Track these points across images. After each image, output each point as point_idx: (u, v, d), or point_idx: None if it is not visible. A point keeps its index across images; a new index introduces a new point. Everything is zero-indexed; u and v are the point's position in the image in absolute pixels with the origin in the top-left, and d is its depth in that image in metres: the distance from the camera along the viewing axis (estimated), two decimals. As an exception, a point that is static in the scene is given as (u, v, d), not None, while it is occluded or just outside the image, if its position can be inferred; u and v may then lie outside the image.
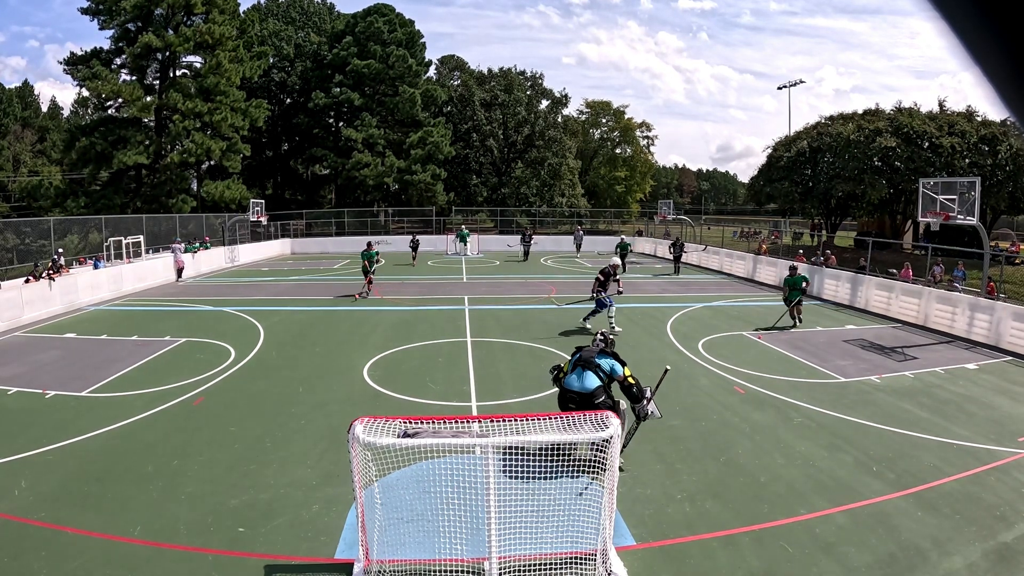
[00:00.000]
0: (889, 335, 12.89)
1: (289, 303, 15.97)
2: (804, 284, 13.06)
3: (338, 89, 41.65)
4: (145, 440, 6.78)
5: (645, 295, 17.87)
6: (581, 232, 32.21)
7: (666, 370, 6.09)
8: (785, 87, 52.02)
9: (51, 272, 14.97)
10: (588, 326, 12.48)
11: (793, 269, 13.73)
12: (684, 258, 24.36)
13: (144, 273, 19.47)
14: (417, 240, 26.93)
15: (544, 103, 49.73)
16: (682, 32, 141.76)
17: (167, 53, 33.73)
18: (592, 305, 12.77)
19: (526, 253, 28.63)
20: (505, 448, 4.24)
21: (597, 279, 12.58)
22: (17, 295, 13.53)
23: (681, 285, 20.31)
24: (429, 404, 7.95)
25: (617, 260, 13.39)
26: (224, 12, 35.25)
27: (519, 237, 30.24)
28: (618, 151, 54.63)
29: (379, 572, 4.22)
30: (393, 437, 4.13)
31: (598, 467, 4.33)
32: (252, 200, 29.59)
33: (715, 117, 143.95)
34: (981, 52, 0.55)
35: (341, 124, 44.16)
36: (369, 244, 17.08)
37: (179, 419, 7.44)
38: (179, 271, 20.90)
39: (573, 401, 5.61)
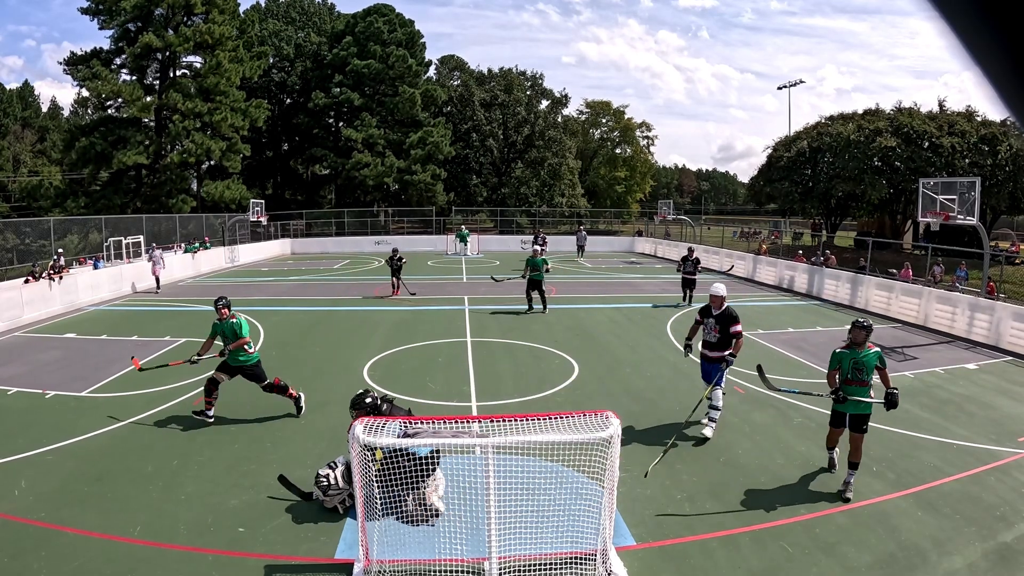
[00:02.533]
0: (889, 335, 12.89)
1: (289, 303, 15.96)
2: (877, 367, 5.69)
3: (338, 89, 41.66)
4: (145, 440, 6.78)
5: (645, 295, 17.87)
6: (584, 233, 30.49)
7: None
8: (785, 87, 52.08)
9: (52, 272, 14.97)
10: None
11: (863, 329, 5.75)
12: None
13: (144, 273, 19.44)
14: (400, 259, 16.55)
15: (544, 103, 49.77)
16: (682, 31, 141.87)
17: (167, 53, 33.74)
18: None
19: None
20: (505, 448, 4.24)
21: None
22: (17, 295, 13.53)
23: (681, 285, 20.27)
24: (429, 404, 7.95)
25: (719, 288, 7.08)
26: (224, 12, 35.26)
27: (531, 240, 26.22)
28: (618, 151, 54.66)
29: (379, 572, 4.22)
30: (393, 437, 4.13)
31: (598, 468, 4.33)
32: (252, 200, 29.63)
33: (716, 117, 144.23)
34: (981, 52, 0.55)
35: (341, 124, 44.18)
36: (221, 306, 7.35)
37: (179, 419, 7.44)
38: (157, 279, 18.19)
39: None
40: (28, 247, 24.72)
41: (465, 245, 30.14)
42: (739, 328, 6.96)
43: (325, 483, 4.78)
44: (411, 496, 4.75)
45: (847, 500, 5.50)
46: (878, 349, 5.77)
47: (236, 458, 6.31)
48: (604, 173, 53.10)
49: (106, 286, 17.04)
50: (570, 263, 27.53)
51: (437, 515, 4.80)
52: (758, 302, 16.70)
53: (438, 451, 4.65)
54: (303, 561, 4.58)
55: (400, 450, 4.34)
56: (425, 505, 4.78)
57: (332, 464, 5.29)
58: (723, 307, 7.08)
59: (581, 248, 29.65)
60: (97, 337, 11.95)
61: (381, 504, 4.27)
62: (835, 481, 5.94)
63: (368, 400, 5.27)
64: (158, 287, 18.24)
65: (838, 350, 5.86)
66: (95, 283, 16.57)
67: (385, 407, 5.31)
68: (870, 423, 5.76)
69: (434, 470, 4.63)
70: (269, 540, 4.82)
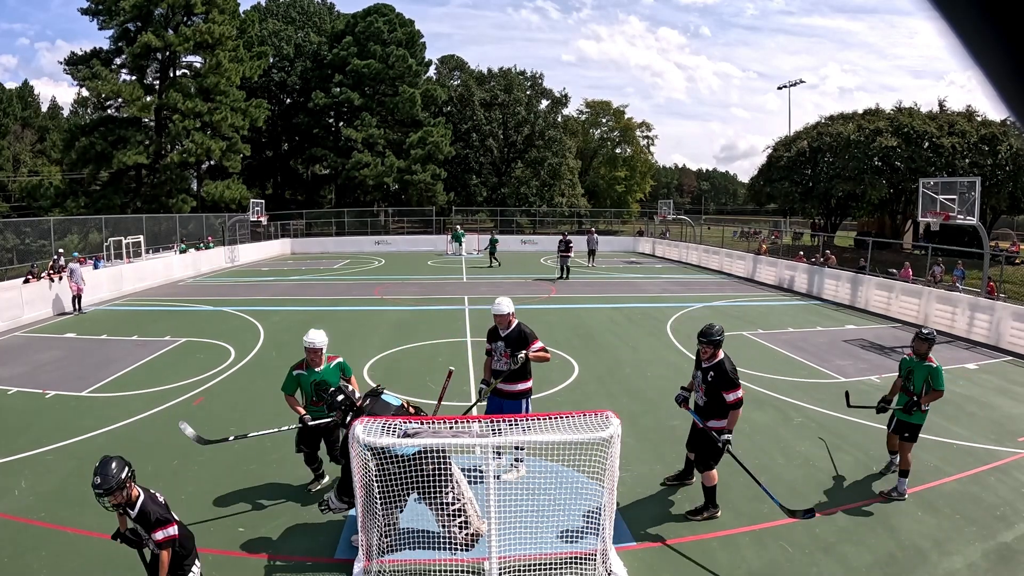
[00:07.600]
0: (889, 335, 12.89)
1: (289, 303, 15.96)
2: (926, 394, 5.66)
3: (338, 89, 41.65)
4: (145, 440, 6.78)
5: (645, 295, 17.86)
6: (596, 236, 26.69)
7: (450, 371, 5.77)
8: (785, 87, 52.04)
9: (52, 272, 14.96)
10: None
11: (928, 340, 5.77)
12: None
13: (144, 273, 19.47)
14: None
15: (544, 103, 49.79)
16: (683, 28, 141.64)
17: (167, 53, 33.72)
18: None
19: (564, 269, 21.05)
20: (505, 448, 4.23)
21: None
22: (17, 295, 13.52)
23: (681, 285, 20.31)
24: (429, 404, 7.94)
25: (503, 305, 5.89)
26: (224, 12, 35.23)
27: (557, 243, 21.78)
28: (618, 151, 54.67)
29: (379, 572, 4.22)
30: (393, 437, 4.13)
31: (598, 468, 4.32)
32: (252, 200, 29.64)
33: (719, 116, 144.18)
34: (981, 52, 0.55)
35: (341, 124, 44.16)
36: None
37: (179, 419, 7.42)
38: (76, 298, 14.26)
39: None
40: (28, 247, 24.71)
41: (460, 245, 30.16)
42: (539, 345, 5.47)
43: (325, 507, 4.71)
44: (444, 519, 4.39)
45: (889, 498, 5.56)
46: (931, 364, 5.75)
47: (236, 458, 6.32)
48: (604, 173, 53.12)
49: (106, 286, 17.04)
50: (575, 266, 27.39)
51: (476, 541, 4.39)
52: (758, 302, 16.70)
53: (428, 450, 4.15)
54: (303, 561, 4.58)
55: (388, 453, 4.21)
56: (463, 532, 4.38)
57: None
58: (511, 326, 5.69)
59: (592, 253, 26.26)
60: (97, 337, 11.94)
61: (381, 504, 4.26)
62: (835, 482, 5.93)
63: (340, 398, 4.58)
64: (77, 308, 14.34)
65: (905, 356, 6.09)
66: (95, 283, 16.52)
67: (367, 403, 4.65)
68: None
69: (442, 476, 4.23)
70: (269, 540, 4.82)
